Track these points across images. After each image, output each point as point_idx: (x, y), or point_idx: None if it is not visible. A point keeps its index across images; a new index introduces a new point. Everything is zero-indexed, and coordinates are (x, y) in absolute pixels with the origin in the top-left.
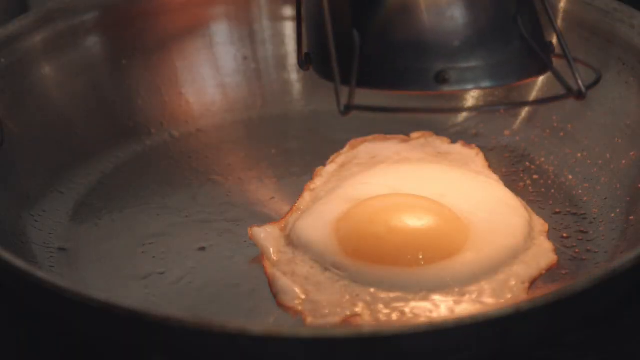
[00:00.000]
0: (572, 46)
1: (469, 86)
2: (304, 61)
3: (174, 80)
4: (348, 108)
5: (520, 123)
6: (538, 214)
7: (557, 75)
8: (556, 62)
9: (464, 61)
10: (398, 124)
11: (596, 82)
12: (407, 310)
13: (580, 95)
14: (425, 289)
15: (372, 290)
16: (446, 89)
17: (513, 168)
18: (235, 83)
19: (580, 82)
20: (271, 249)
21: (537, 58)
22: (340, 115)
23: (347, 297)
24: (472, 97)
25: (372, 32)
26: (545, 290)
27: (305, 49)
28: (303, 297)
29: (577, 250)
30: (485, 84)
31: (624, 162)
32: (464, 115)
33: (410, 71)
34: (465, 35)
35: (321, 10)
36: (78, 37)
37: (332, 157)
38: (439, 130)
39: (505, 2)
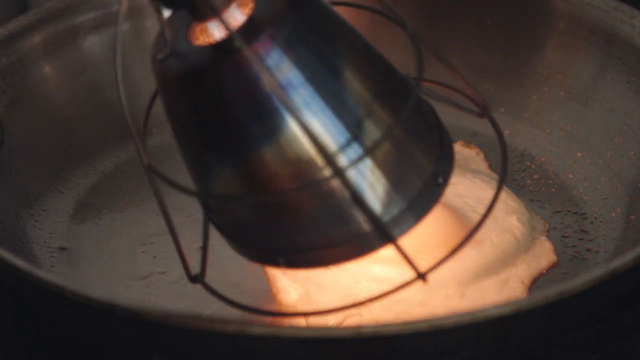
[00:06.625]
0: (572, 46)
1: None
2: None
3: None
4: (195, 280)
5: (521, 123)
6: (538, 213)
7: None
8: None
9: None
10: None
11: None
12: (407, 310)
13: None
14: (425, 289)
15: (372, 290)
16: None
17: (513, 168)
18: None
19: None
20: None
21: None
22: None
23: (347, 297)
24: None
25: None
26: (545, 290)
27: None
28: (303, 297)
29: (577, 250)
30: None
31: (624, 161)
32: (463, 115)
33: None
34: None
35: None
36: (78, 37)
37: None
38: None
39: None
